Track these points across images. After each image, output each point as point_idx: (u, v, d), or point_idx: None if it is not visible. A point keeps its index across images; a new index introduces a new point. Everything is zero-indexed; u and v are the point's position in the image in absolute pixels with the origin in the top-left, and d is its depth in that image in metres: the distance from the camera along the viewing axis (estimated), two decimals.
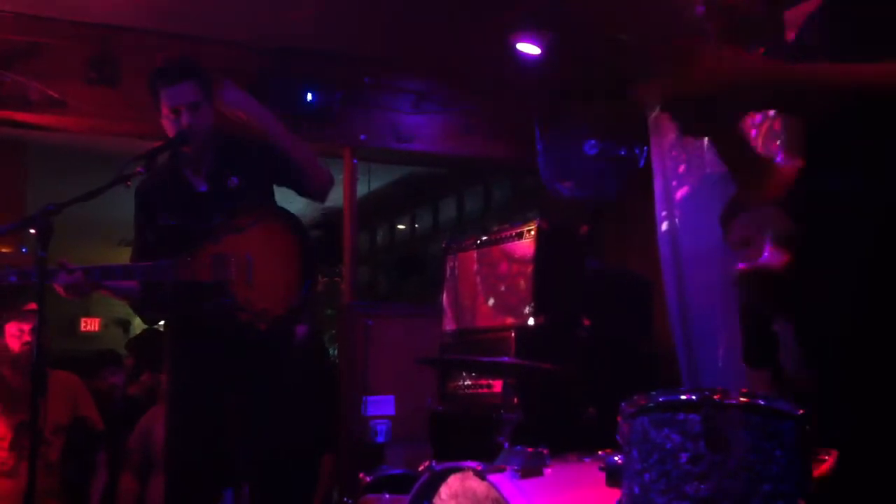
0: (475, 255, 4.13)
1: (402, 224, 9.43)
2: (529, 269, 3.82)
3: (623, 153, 5.18)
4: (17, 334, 4.05)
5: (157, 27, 4.91)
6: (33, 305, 4.07)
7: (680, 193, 5.22)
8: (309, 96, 5.27)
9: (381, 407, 4.94)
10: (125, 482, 4.59)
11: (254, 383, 2.96)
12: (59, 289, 2.86)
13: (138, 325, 10.29)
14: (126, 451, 4.63)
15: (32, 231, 2.55)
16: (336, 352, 5.82)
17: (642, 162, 5.24)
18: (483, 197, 8.03)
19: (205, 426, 2.96)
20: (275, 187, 3.24)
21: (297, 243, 3.12)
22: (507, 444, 3.06)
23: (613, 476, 2.51)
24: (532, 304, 3.76)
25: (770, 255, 1.70)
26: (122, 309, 13.03)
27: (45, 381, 3.77)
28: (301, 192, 3.26)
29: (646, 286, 4.40)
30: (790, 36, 1.88)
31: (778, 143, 1.84)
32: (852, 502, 1.67)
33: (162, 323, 3.30)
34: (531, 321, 3.74)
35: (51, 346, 4.09)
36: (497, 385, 3.83)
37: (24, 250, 5.84)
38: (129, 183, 2.77)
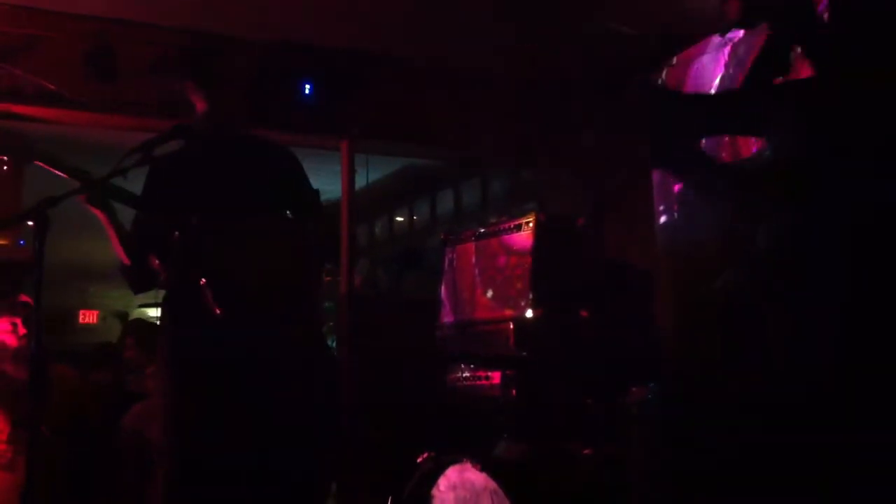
0: (473, 247, 4.13)
1: (401, 217, 9.41)
2: (527, 261, 3.82)
3: None
4: (11, 328, 4.04)
5: (154, 21, 4.90)
6: (24, 297, 4.07)
7: (678, 187, 5.21)
8: (307, 89, 5.27)
9: None
10: (125, 477, 4.58)
11: (258, 378, 2.94)
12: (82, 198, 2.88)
13: (137, 315, 10.27)
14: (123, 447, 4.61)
15: (30, 224, 2.55)
16: (335, 343, 5.82)
17: None
18: (481, 189, 8.02)
19: (208, 421, 2.93)
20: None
21: (299, 238, 3.12)
22: (505, 436, 3.07)
23: None
24: (530, 296, 3.76)
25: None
26: (120, 301, 13.01)
27: (45, 376, 3.77)
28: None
29: (646, 279, 4.39)
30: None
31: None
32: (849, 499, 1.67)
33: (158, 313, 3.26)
34: (529, 313, 3.74)
35: (47, 341, 4.08)
36: (496, 377, 3.83)
37: (21, 243, 5.83)
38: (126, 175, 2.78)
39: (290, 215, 3.16)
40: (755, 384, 2.46)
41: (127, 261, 3.08)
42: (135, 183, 2.94)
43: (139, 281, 3.14)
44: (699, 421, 3.00)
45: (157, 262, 3.02)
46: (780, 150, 1.83)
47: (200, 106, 3.07)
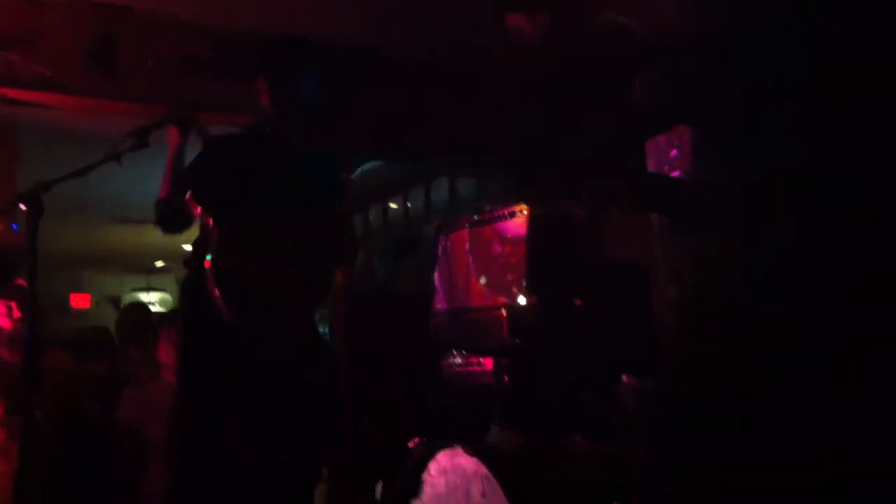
0: (467, 234, 4.13)
1: (395, 204, 9.41)
2: (522, 248, 3.82)
3: None
4: (5, 311, 4.05)
5: (156, 10, 4.89)
6: (20, 281, 4.07)
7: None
8: (308, 86, 5.27)
9: None
10: (118, 470, 4.56)
11: (261, 377, 2.94)
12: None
13: (129, 300, 10.23)
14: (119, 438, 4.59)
15: (24, 208, 2.55)
16: (328, 330, 5.83)
17: None
18: (476, 179, 8.01)
19: (220, 413, 2.93)
20: None
21: (316, 242, 3.14)
22: (497, 422, 3.08)
23: None
24: (524, 284, 3.77)
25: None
26: (113, 286, 12.98)
27: (38, 361, 3.78)
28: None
29: (643, 273, 4.40)
30: None
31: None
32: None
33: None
34: (523, 300, 3.75)
35: (42, 325, 4.08)
36: (488, 363, 3.84)
37: (14, 227, 5.82)
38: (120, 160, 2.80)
39: (313, 219, 3.17)
40: (755, 384, 2.47)
41: (163, 193, 3.15)
42: (130, 169, 2.96)
43: (163, 219, 3.22)
44: (699, 421, 3.01)
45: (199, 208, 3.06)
46: (780, 151, 1.85)
47: (265, 101, 3.15)
